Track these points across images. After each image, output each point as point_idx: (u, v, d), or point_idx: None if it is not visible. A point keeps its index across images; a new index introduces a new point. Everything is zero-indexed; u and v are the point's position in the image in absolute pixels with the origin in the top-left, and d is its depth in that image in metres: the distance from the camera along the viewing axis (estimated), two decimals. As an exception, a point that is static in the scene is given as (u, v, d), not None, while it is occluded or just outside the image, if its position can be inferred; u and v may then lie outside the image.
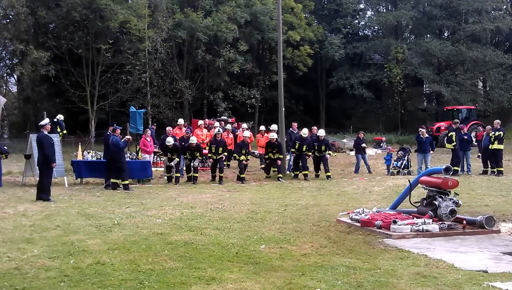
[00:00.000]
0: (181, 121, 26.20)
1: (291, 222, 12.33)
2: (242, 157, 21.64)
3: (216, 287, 7.24)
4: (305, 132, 22.81)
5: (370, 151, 33.63)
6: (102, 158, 20.71)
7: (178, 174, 21.01)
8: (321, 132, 23.03)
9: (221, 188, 19.41)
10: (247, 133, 22.42)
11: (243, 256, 9.02)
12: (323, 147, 22.67)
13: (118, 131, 19.38)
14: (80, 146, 23.75)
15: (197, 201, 15.76)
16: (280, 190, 19.03)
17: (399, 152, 24.43)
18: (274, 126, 24.12)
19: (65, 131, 27.49)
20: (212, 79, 41.59)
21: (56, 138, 19.30)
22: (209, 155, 21.79)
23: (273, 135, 22.51)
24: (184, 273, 7.88)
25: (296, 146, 22.68)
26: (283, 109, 24.15)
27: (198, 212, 13.63)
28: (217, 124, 27.35)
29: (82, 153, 21.59)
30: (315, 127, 26.05)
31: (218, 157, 21.39)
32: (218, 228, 11.49)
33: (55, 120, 26.63)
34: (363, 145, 25.02)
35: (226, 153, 22.13)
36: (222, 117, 34.64)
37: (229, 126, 26.52)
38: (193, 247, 9.62)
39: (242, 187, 19.65)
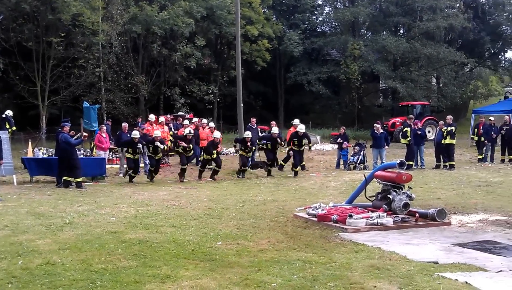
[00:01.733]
0: (153, 117, 25.52)
1: (249, 218, 12.30)
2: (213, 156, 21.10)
3: (171, 285, 7.16)
4: (301, 127, 22.57)
5: (327, 147, 33.91)
6: (53, 155, 20.30)
7: (135, 174, 20.43)
8: (302, 128, 22.54)
9: (178, 185, 19.27)
10: (218, 134, 21.87)
11: (199, 253, 8.94)
12: (303, 141, 22.58)
13: (67, 128, 18.79)
14: (30, 143, 23.31)
15: (153, 199, 15.59)
16: (238, 186, 19.00)
17: (355, 147, 24.67)
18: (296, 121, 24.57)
19: (14, 128, 26.78)
20: (168, 74, 41.17)
21: (4, 135, 18.89)
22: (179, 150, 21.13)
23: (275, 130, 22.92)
24: (138, 272, 7.76)
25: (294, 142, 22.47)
26: (242, 104, 24.12)
27: (153, 210, 13.48)
28: (186, 122, 26.64)
29: (33, 150, 21.17)
30: (274, 122, 26.07)
31: (188, 155, 21.10)
32: (174, 225, 11.38)
33: (4, 116, 26.09)
34: (339, 140, 25.24)
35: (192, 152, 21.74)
36: (179, 113, 34.33)
37: (186, 122, 26.21)
38: (148, 245, 9.49)
39: (199, 184, 19.55)
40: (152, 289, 7.03)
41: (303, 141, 22.60)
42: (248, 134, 22.31)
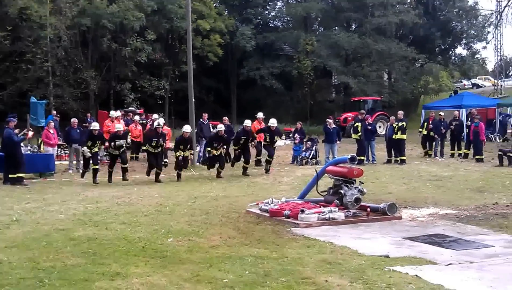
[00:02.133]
0: (114, 113, 24.86)
1: (200, 214, 12.20)
2: (179, 153, 19.42)
3: (121, 283, 7.03)
4: (273, 122, 21.30)
5: (280, 142, 33.90)
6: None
7: (97, 166, 19.19)
8: (274, 122, 21.26)
9: (129, 181, 18.98)
10: (188, 128, 20.14)
11: (150, 250, 8.84)
12: (276, 138, 21.63)
13: (12, 123, 18.16)
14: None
15: (103, 196, 15.30)
16: (189, 182, 18.85)
17: (307, 143, 24.75)
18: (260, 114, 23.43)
19: None
20: (119, 69, 40.65)
21: None
22: (147, 148, 19.71)
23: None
24: (87, 269, 7.61)
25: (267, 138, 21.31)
26: (193, 100, 23.94)
27: (103, 207, 13.24)
28: (136, 117, 26.08)
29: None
30: (226, 118, 25.96)
31: (156, 151, 19.43)
32: (124, 222, 11.20)
33: None
34: (296, 135, 25.34)
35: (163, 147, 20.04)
36: (129, 108, 33.90)
37: (137, 117, 25.85)
38: (97, 242, 9.32)
39: (151, 180, 19.29)
40: (101, 287, 6.88)
41: (275, 137, 21.57)
42: (221, 127, 20.99)
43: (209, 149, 20.30)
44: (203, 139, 24.05)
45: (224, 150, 20.57)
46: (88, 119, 24.71)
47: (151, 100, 42.41)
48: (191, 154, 20.98)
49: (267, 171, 20.72)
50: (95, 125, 19.72)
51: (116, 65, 40.76)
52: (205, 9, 42.90)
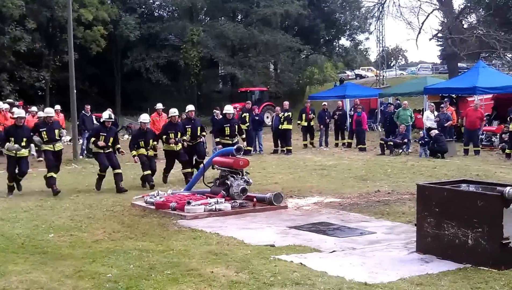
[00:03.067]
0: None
1: (83, 208, 11.94)
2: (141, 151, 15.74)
3: (-2, 281, 6.74)
4: (229, 108, 18.32)
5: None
6: None
7: None
8: (229, 109, 18.24)
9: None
10: (146, 117, 16.38)
11: (30, 247, 8.58)
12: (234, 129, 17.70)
13: None
14: None
15: (-21, 191, 14.60)
16: (72, 175, 18.29)
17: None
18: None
19: None
20: (-4, 59, 38.77)
21: None
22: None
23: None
24: (-38, 269, 7.25)
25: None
26: (75, 91, 23.22)
27: (-21, 203, 12.65)
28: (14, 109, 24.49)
29: None
30: (110, 109, 25.33)
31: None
32: (2, 218, 10.80)
33: None
34: None
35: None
36: (8, 100, 32.38)
37: (15, 109, 24.56)
38: (-28, 240, 8.89)
39: (30, 174, 18.46)
40: (-24, 288, 6.58)
41: (234, 128, 17.67)
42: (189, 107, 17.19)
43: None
44: (86, 131, 23.53)
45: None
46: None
47: (31, 91, 40.75)
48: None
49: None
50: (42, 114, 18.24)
51: (-7, 55, 38.80)
52: (86, -3, 41.58)
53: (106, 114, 16.28)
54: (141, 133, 16.09)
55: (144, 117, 16.19)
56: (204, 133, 17.32)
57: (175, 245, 8.57)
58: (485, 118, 23.74)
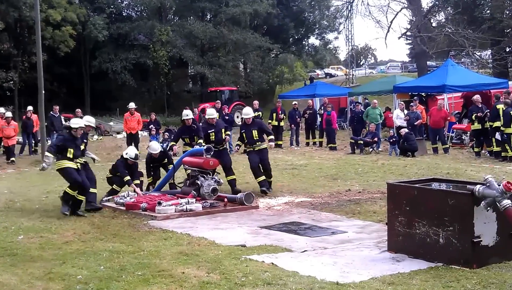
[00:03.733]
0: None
1: (53, 209, 11.81)
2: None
3: (-34, 285, 6.68)
4: (248, 112, 14.62)
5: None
6: None
7: None
8: (248, 112, 14.58)
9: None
10: (188, 113, 15.05)
11: (-1, 249, 8.45)
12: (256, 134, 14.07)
13: None
14: None
15: None
16: (42, 176, 17.97)
17: (165, 133, 24.57)
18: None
19: None
20: (-37, 60, 38.21)
21: None
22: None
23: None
24: None
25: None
26: (43, 92, 22.96)
27: None
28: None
29: None
30: (79, 110, 25.17)
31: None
32: (-29, 221, 10.61)
33: None
34: (151, 126, 25.46)
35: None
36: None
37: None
38: None
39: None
40: None
41: (255, 132, 14.03)
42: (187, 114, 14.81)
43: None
44: (54, 132, 23.55)
45: None
46: None
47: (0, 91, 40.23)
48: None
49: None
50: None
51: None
52: (54, -2, 41.10)
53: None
54: (185, 129, 14.59)
55: (187, 113, 14.72)
56: (228, 133, 15.57)
57: (145, 246, 8.54)
58: (449, 117, 23.91)
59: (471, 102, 22.66)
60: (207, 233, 9.35)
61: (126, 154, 12.79)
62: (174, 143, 15.05)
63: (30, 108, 24.78)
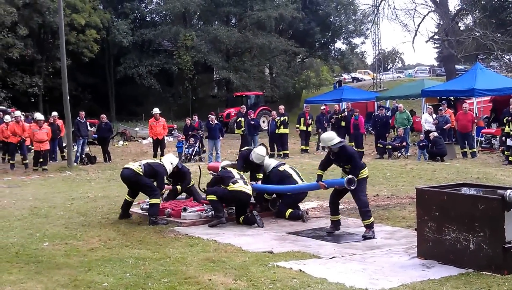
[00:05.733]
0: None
1: (78, 216, 11.75)
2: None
3: (-8, 292, 6.66)
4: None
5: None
6: None
7: None
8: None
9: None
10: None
11: (24, 256, 8.44)
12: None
13: None
14: None
15: (-28, 199, 14.41)
16: (66, 183, 18.09)
17: (190, 139, 24.49)
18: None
19: None
20: (-12, 66, 38.56)
21: None
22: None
23: None
24: (-44, 280, 7.12)
25: None
26: (68, 97, 23.08)
27: (-28, 211, 12.45)
28: (7, 117, 24.21)
29: None
30: (104, 116, 25.31)
31: None
32: (-4, 227, 10.58)
33: None
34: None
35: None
36: (0, 107, 32.19)
37: (7, 117, 24.12)
38: (-36, 250, 8.75)
39: (23, 182, 18.35)
40: (-29, 299, 6.48)
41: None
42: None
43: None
44: (81, 138, 23.67)
45: None
46: None
47: (24, 98, 40.64)
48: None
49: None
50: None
51: (-14, 63, 38.58)
52: (78, 3, 41.28)
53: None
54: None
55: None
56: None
57: (171, 252, 8.45)
58: (476, 121, 23.56)
59: (500, 106, 22.38)
60: (234, 240, 9.23)
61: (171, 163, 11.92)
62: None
63: (55, 113, 24.83)
